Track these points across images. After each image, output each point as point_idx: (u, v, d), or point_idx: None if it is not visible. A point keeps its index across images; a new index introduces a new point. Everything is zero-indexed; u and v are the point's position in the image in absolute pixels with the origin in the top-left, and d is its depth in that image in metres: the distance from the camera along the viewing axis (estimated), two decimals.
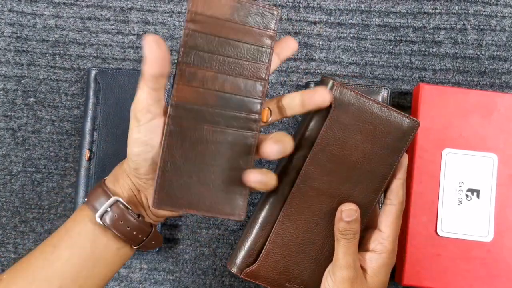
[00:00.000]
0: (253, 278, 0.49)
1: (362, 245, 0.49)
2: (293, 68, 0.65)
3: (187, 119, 0.43)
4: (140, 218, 0.46)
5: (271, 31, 0.45)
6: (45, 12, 0.66)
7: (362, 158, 0.47)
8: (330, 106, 0.47)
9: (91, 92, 0.63)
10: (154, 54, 0.39)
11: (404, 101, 0.64)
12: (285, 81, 0.65)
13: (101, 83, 0.62)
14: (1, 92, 0.66)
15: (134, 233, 0.46)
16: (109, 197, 0.45)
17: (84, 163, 0.62)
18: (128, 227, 0.45)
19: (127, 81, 0.62)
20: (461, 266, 0.58)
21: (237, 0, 0.44)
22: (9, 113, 0.65)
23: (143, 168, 0.44)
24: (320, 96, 0.45)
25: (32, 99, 0.65)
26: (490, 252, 0.58)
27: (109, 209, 0.45)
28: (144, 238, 0.47)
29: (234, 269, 0.49)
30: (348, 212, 0.47)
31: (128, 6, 0.66)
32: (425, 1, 0.65)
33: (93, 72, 0.63)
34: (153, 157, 0.43)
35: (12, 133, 0.65)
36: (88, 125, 0.62)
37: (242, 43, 0.44)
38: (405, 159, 0.48)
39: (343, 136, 0.47)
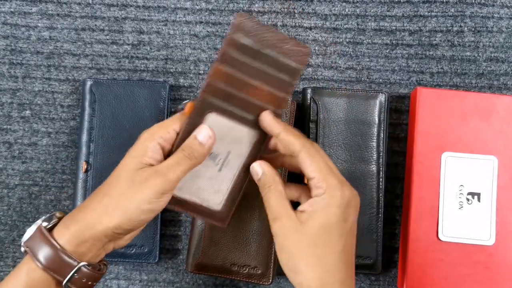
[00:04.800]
0: (202, 271, 0.58)
1: (305, 201, 0.46)
2: None
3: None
4: (101, 268, 0.46)
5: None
6: (39, 24, 0.66)
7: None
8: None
9: (87, 103, 0.62)
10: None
11: (402, 105, 0.64)
12: None
13: (96, 94, 0.62)
14: None
15: (89, 283, 0.45)
16: (73, 266, 0.44)
17: (81, 175, 0.61)
18: (90, 282, 0.45)
19: (122, 91, 0.62)
20: (463, 271, 0.57)
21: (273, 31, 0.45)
22: (5, 127, 0.65)
23: (137, 228, 0.46)
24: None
25: (27, 112, 0.65)
26: (492, 255, 0.57)
27: (76, 275, 0.44)
28: (94, 284, 0.46)
29: (189, 269, 0.58)
30: (253, 171, 0.48)
31: (122, 16, 0.65)
32: (421, 4, 0.64)
33: (89, 83, 0.63)
34: None
35: (8, 147, 0.65)
36: (84, 137, 0.62)
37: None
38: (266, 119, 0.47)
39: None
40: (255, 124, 0.47)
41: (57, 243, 0.43)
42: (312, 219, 0.44)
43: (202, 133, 0.45)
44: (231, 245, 0.58)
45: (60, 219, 0.46)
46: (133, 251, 0.61)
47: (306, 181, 0.46)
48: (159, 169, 0.44)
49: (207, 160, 0.47)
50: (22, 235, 0.63)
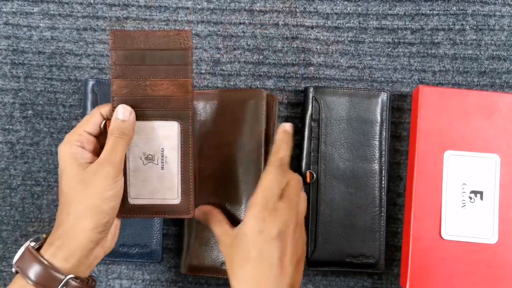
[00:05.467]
0: (196, 272, 0.58)
1: None
2: (291, 74, 0.64)
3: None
4: (89, 281, 0.48)
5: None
6: (41, 24, 0.66)
7: (234, 134, 0.57)
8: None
9: (89, 103, 0.62)
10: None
11: (404, 104, 0.64)
12: (284, 86, 0.64)
13: (98, 94, 0.62)
14: None
15: None
16: (61, 280, 0.45)
17: None
18: None
19: None
20: (466, 269, 0.57)
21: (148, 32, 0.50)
22: (7, 127, 0.65)
23: (112, 218, 0.48)
24: None
25: (30, 112, 0.65)
26: (495, 254, 0.57)
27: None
28: None
29: (183, 271, 0.59)
30: (197, 214, 0.55)
31: (124, 15, 0.66)
32: (423, 2, 0.64)
33: (90, 83, 0.63)
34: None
35: (10, 147, 0.65)
36: None
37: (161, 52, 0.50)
38: None
39: (213, 127, 0.59)
40: (173, 115, 0.50)
41: (45, 259, 0.46)
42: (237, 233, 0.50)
43: (120, 112, 0.49)
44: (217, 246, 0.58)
45: (46, 239, 0.48)
46: (135, 251, 0.61)
47: None
48: (101, 160, 0.47)
49: (148, 163, 0.51)
50: (25, 235, 0.64)
